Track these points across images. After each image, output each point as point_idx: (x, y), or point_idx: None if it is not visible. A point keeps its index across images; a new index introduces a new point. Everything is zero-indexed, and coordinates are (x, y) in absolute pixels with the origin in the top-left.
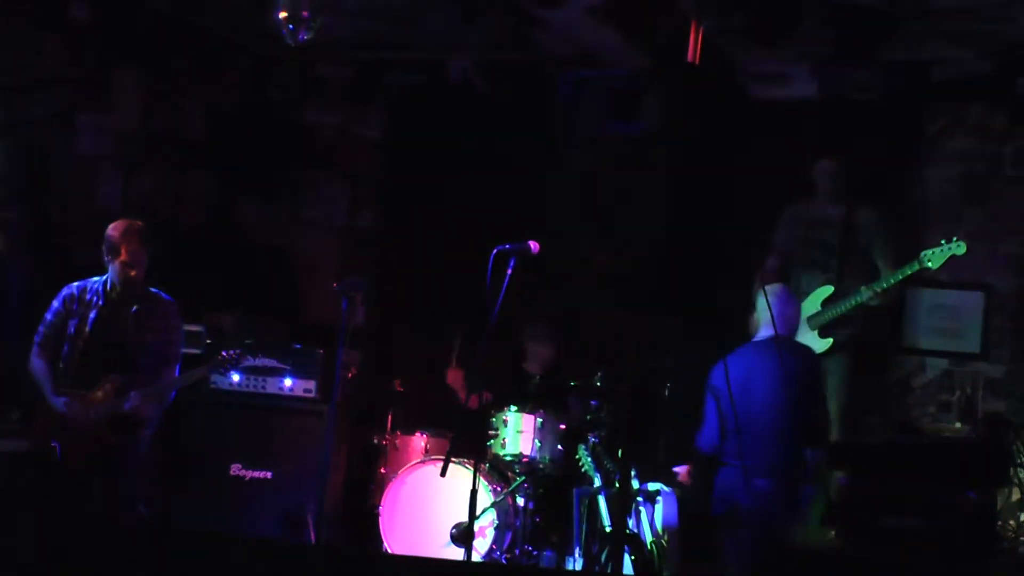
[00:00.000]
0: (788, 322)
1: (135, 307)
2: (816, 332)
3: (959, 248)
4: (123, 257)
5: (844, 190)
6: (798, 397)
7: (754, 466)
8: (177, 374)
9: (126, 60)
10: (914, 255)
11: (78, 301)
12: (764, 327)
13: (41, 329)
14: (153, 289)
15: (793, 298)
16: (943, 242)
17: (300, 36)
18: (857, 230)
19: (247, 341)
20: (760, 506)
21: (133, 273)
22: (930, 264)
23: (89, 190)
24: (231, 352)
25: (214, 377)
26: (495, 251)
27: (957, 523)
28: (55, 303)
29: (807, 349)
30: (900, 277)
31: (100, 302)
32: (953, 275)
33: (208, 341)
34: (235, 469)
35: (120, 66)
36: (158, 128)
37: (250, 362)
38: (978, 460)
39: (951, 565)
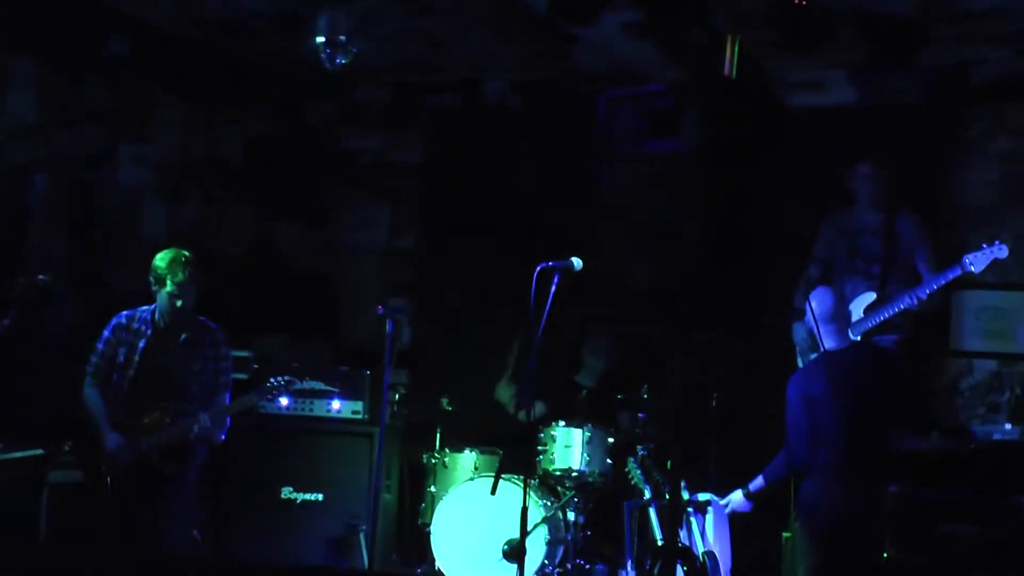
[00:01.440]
0: (835, 321)
1: (183, 336)
2: (859, 339)
3: (1001, 251)
4: (169, 287)
5: (885, 195)
6: (878, 401)
7: (837, 473)
8: (228, 401)
9: (165, 91)
10: (956, 259)
11: (127, 330)
12: (822, 337)
13: (93, 359)
14: (202, 318)
15: (833, 294)
16: (984, 245)
17: (337, 60)
18: (899, 236)
19: (294, 365)
20: (846, 514)
21: (179, 303)
22: (972, 268)
23: (133, 222)
24: (279, 379)
25: (261, 399)
26: (539, 268)
27: (1012, 528)
28: (106, 332)
29: (879, 349)
30: (943, 282)
31: (149, 331)
32: (999, 276)
33: (255, 366)
34: (286, 492)
35: (159, 97)
36: (198, 158)
37: (298, 386)
38: None
39: (1007, 571)
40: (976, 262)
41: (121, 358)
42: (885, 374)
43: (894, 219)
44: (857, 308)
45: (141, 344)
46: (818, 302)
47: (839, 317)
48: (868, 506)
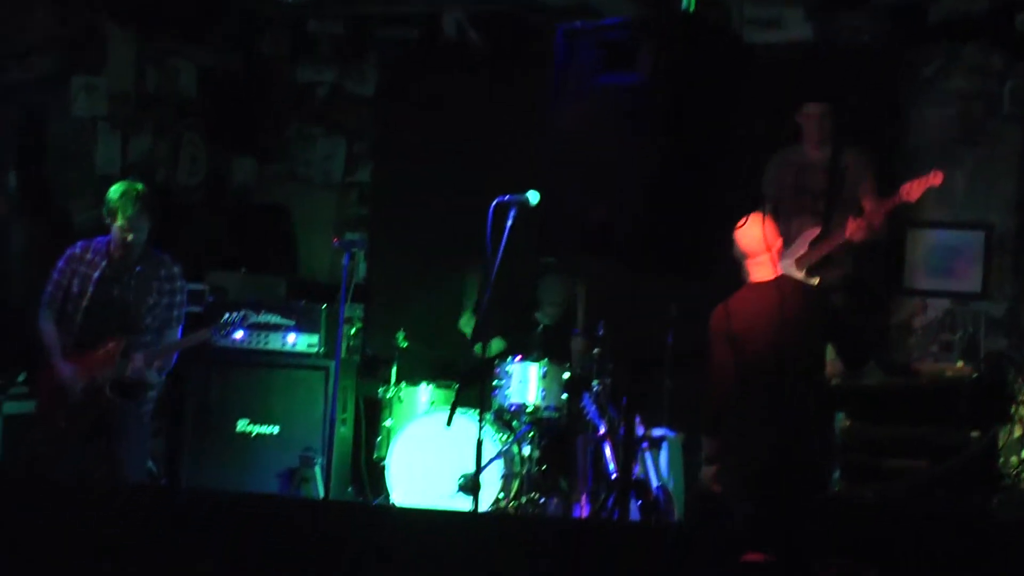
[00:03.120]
0: (762, 253)
1: (138, 268)
2: (804, 273)
3: (935, 178)
4: (119, 221)
5: (830, 134)
6: (802, 335)
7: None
8: (180, 336)
9: (117, 22)
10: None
11: (81, 261)
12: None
13: (48, 289)
14: (157, 251)
15: (760, 226)
16: (920, 175)
17: None
18: (844, 172)
19: (249, 299)
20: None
21: (129, 238)
22: (908, 197)
23: (87, 152)
24: (234, 315)
25: (215, 337)
26: (494, 203)
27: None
28: (60, 262)
29: (800, 283)
30: (882, 211)
31: (104, 262)
32: (952, 215)
33: (210, 300)
34: (241, 425)
35: (112, 28)
36: (152, 90)
37: (253, 319)
38: (979, 399)
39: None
40: (912, 190)
41: (75, 289)
42: (808, 307)
43: (840, 155)
44: (802, 242)
45: (95, 275)
46: (744, 234)
47: (766, 249)
48: (800, 444)
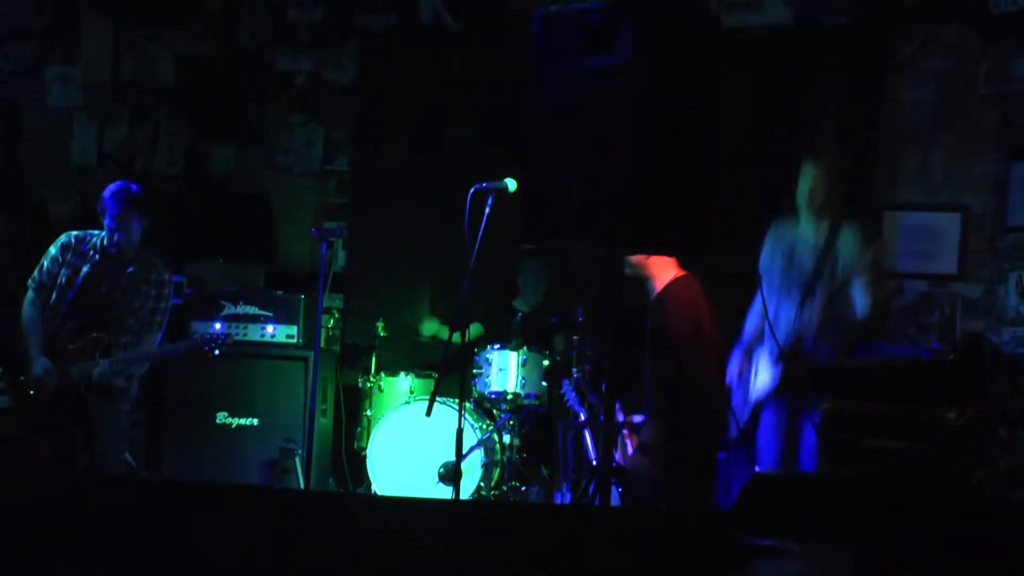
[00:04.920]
0: None
1: (130, 268)
2: None
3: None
4: (108, 220)
5: (826, 202)
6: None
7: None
8: (158, 344)
9: (93, 10)
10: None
11: (74, 251)
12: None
13: (36, 274)
14: (151, 253)
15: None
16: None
17: None
18: (837, 253)
19: (228, 289)
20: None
21: (116, 236)
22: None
23: (63, 142)
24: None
25: (195, 325)
26: (472, 190)
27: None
28: (52, 250)
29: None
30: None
31: (96, 257)
32: (930, 197)
33: (188, 291)
34: (221, 417)
35: (87, 16)
36: (128, 78)
37: (230, 310)
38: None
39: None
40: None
41: (63, 279)
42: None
43: (836, 232)
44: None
45: (85, 268)
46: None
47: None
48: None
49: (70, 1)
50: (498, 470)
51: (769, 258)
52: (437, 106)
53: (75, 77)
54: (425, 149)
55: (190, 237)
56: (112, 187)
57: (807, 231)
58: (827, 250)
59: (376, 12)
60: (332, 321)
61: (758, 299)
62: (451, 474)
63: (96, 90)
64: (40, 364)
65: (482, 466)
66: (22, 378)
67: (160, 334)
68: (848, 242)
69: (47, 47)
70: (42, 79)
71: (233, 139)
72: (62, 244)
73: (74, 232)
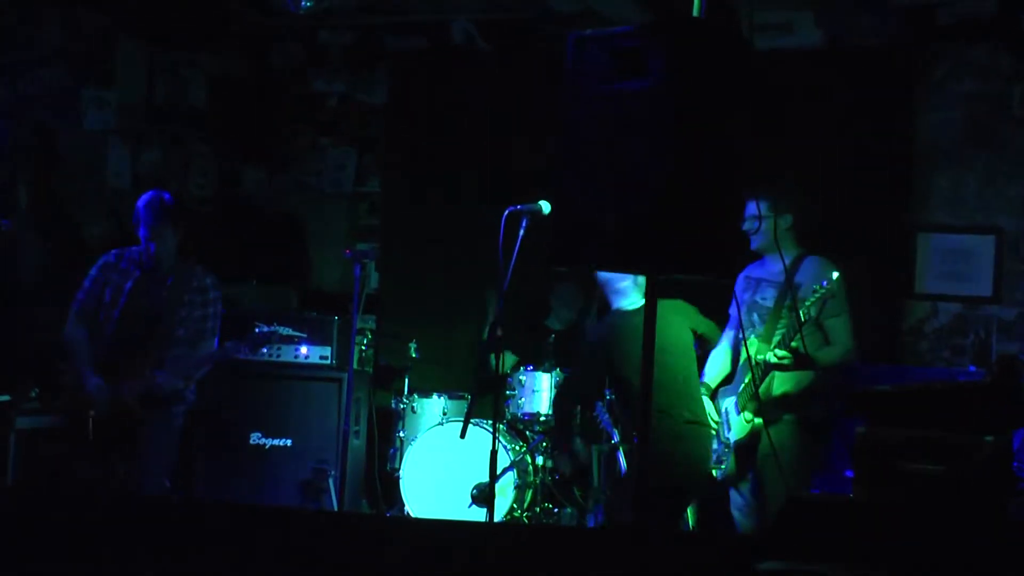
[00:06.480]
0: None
1: (170, 279)
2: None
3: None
4: (144, 231)
5: (776, 237)
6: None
7: None
8: (216, 347)
9: (127, 34)
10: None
11: (115, 269)
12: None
13: (79, 296)
14: (190, 262)
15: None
16: (816, 288)
17: (303, 3)
18: (797, 286)
19: (261, 310)
20: None
21: (152, 247)
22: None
23: (97, 165)
24: (265, 330)
25: (227, 344)
26: (506, 212)
27: (975, 466)
28: (93, 270)
29: None
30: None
31: (136, 272)
32: (964, 219)
33: (222, 311)
34: (255, 438)
35: (122, 40)
36: (162, 101)
37: (264, 330)
38: (993, 402)
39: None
40: (812, 307)
41: (107, 298)
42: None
43: (799, 265)
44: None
45: (128, 285)
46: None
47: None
48: None
49: (104, 25)
50: (531, 492)
51: (734, 303)
52: (468, 128)
53: (110, 100)
54: (457, 171)
55: (223, 259)
56: (145, 197)
57: (769, 266)
58: (788, 282)
59: (408, 35)
60: (365, 342)
61: (725, 339)
62: (484, 496)
63: (130, 113)
64: (93, 383)
65: (515, 488)
66: (36, 394)
67: (216, 339)
68: (809, 269)
69: (82, 70)
70: (77, 102)
71: (265, 161)
72: (102, 264)
73: (113, 250)
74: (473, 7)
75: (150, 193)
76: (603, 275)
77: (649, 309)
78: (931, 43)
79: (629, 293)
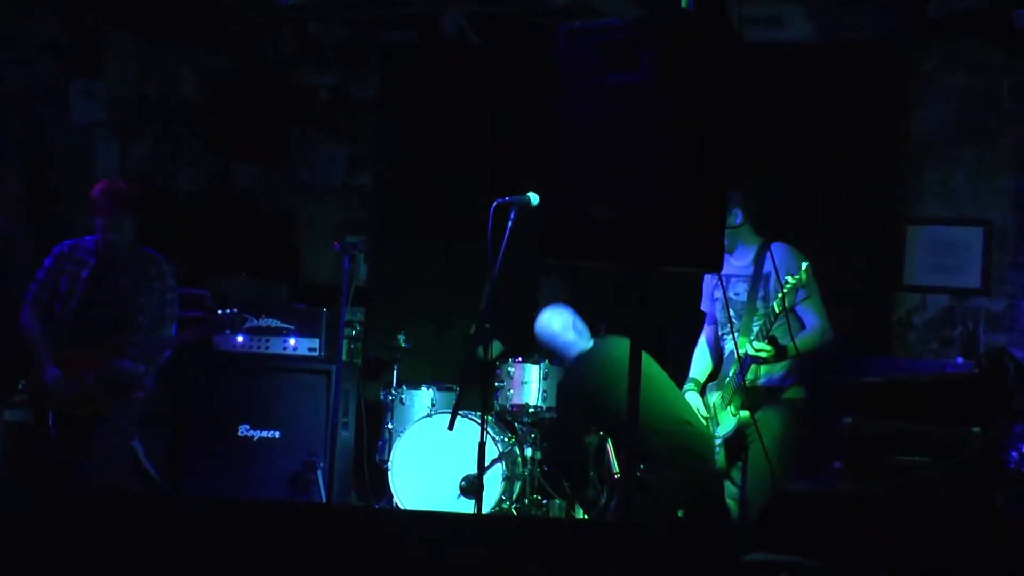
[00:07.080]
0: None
1: (129, 266)
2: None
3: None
4: (100, 219)
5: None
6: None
7: None
8: (175, 333)
9: (117, 27)
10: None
11: (69, 259)
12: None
13: (33, 287)
14: (145, 248)
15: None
16: (787, 279)
17: None
18: (767, 276)
19: (250, 302)
20: None
21: (111, 236)
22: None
23: (86, 159)
24: (227, 312)
25: (217, 339)
26: (495, 204)
27: (963, 458)
28: (47, 261)
29: None
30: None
31: (92, 260)
32: (952, 211)
33: (211, 305)
34: (243, 430)
35: (111, 33)
36: (152, 95)
37: (253, 323)
38: (981, 395)
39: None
40: (787, 298)
41: (63, 287)
42: None
43: (763, 255)
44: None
45: (84, 274)
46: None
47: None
48: None
49: (94, 17)
50: (520, 483)
51: (711, 299)
52: (459, 121)
53: (99, 93)
54: (447, 164)
55: (213, 252)
56: (100, 186)
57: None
58: (757, 272)
59: (399, 28)
60: (354, 334)
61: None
62: (473, 487)
63: (120, 106)
64: (51, 375)
65: (504, 479)
66: (23, 386)
67: (174, 325)
68: (777, 254)
69: (71, 63)
70: (66, 94)
71: (256, 154)
72: (56, 254)
73: (67, 241)
74: (465, 0)
75: (105, 182)
76: (544, 337)
77: (641, 307)
78: (922, 37)
79: (577, 340)
